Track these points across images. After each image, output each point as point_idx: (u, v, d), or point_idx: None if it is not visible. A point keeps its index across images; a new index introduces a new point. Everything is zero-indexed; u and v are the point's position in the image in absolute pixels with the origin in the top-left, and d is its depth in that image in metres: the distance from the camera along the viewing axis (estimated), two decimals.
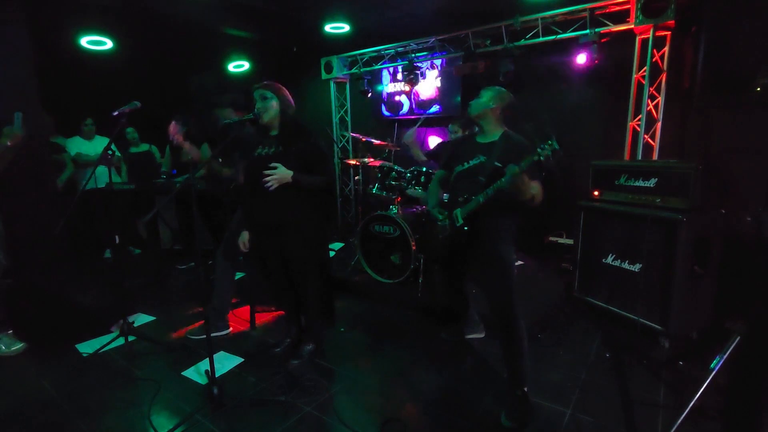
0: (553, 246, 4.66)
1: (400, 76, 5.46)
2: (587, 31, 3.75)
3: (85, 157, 4.56)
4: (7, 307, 2.83)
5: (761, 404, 1.87)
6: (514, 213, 2.13)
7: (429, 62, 5.34)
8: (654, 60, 3.55)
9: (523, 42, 4.16)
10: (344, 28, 5.10)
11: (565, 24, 3.96)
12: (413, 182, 3.71)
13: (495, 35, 4.37)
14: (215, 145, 3.17)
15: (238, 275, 4.14)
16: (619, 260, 2.92)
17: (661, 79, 3.59)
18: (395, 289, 3.65)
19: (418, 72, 5.04)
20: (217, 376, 2.24)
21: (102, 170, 3.50)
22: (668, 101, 3.62)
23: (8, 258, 2.81)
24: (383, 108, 5.96)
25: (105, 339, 2.90)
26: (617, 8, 3.67)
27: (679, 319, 2.59)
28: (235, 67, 6.57)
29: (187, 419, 2.09)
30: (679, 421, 1.76)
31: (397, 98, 5.80)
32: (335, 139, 6.23)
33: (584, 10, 3.77)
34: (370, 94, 5.59)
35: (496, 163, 2.06)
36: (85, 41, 4.86)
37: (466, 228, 2.15)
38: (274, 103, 2.35)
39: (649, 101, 3.62)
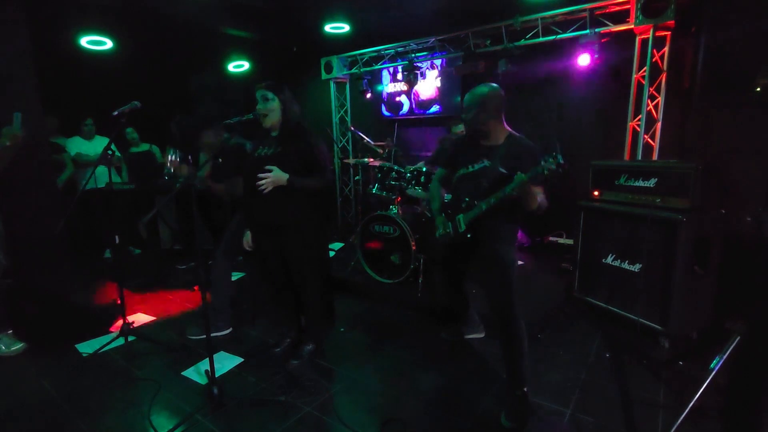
0: (553, 246, 4.67)
1: (400, 76, 5.46)
2: (587, 31, 3.75)
3: (85, 157, 4.57)
4: (7, 307, 2.83)
5: (761, 404, 1.87)
6: (516, 217, 2.12)
7: (429, 62, 5.35)
8: (654, 60, 3.55)
9: (523, 42, 4.16)
10: (344, 28, 5.10)
11: (565, 24, 3.96)
12: (413, 182, 3.71)
13: (495, 35, 4.37)
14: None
15: (239, 275, 4.17)
16: (619, 260, 2.92)
17: (661, 79, 3.59)
18: (395, 289, 3.65)
19: (418, 72, 5.05)
20: (217, 376, 2.24)
21: (102, 170, 3.50)
22: (668, 101, 3.62)
23: (8, 258, 2.81)
24: (383, 108, 5.97)
25: (105, 339, 2.90)
26: (617, 8, 3.68)
27: (679, 319, 2.59)
28: (235, 67, 6.57)
29: (187, 419, 2.09)
30: (679, 421, 1.76)
31: (397, 98, 5.81)
32: (335, 139, 6.24)
33: (584, 10, 3.78)
34: (369, 95, 5.59)
35: (501, 169, 2.03)
36: (85, 41, 4.86)
37: (469, 235, 2.15)
38: (276, 105, 2.33)
39: (649, 101, 3.62)
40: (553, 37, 4.01)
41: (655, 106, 3.63)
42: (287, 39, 5.92)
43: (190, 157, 3.26)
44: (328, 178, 2.44)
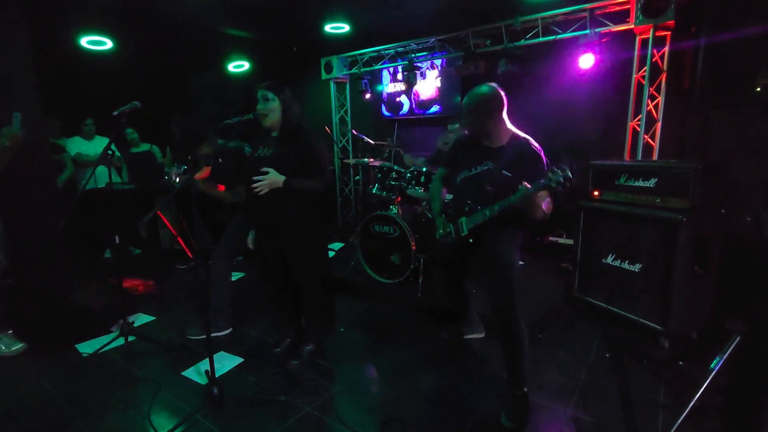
0: (553, 246, 4.66)
1: (400, 76, 5.46)
2: (587, 31, 3.75)
3: (85, 157, 4.57)
4: (7, 307, 2.83)
5: (761, 404, 1.87)
6: (519, 223, 2.11)
7: (429, 62, 5.35)
8: (654, 60, 3.55)
9: (523, 42, 4.16)
10: (344, 28, 5.11)
11: (565, 24, 3.96)
12: (413, 182, 3.71)
13: (495, 35, 4.37)
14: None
15: (239, 275, 4.17)
16: (619, 260, 2.92)
17: (661, 79, 3.59)
18: (395, 289, 3.65)
19: (418, 72, 5.04)
20: (217, 376, 2.24)
21: (102, 170, 3.50)
22: (668, 101, 3.62)
23: (8, 258, 2.82)
24: (383, 108, 5.97)
25: (105, 339, 2.91)
26: (617, 8, 3.67)
27: (679, 319, 2.59)
28: (235, 67, 6.58)
29: (187, 419, 2.09)
30: (679, 421, 1.76)
31: (397, 98, 5.81)
32: (335, 139, 6.23)
33: (584, 10, 3.77)
34: (368, 95, 5.58)
35: (504, 172, 2.00)
36: (85, 41, 4.87)
37: (471, 240, 2.14)
38: (276, 105, 2.33)
39: (649, 101, 3.62)
40: (553, 37, 4.01)
41: (655, 106, 3.63)
42: (287, 39, 5.92)
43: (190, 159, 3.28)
44: (327, 179, 2.43)
